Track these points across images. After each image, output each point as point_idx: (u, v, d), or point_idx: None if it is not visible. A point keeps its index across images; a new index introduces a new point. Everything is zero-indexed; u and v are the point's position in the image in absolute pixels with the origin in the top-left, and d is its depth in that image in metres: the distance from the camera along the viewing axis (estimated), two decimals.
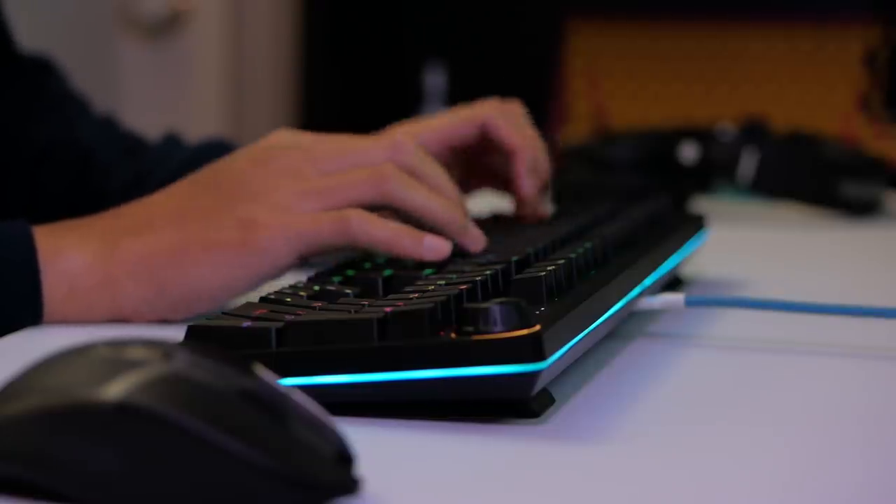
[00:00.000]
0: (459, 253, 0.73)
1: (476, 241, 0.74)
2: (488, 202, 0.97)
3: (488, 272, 0.64)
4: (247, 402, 0.45)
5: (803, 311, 0.72)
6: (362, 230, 0.70)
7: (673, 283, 0.85)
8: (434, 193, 0.74)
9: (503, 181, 0.89)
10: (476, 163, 0.89)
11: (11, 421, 0.45)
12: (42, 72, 1.09)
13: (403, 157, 0.74)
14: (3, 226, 0.72)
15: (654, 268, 0.76)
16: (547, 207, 0.88)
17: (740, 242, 1.13)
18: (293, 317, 0.59)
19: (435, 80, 2.64)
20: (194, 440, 0.44)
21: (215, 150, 1.03)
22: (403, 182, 0.72)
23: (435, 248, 0.71)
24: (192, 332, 0.59)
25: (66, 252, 0.71)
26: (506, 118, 0.85)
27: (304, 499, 0.45)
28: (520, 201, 0.86)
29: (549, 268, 0.63)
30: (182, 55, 2.63)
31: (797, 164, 1.29)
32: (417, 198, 0.73)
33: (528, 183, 0.85)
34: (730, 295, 0.84)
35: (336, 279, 0.68)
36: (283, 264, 0.71)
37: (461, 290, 0.60)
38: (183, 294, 0.71)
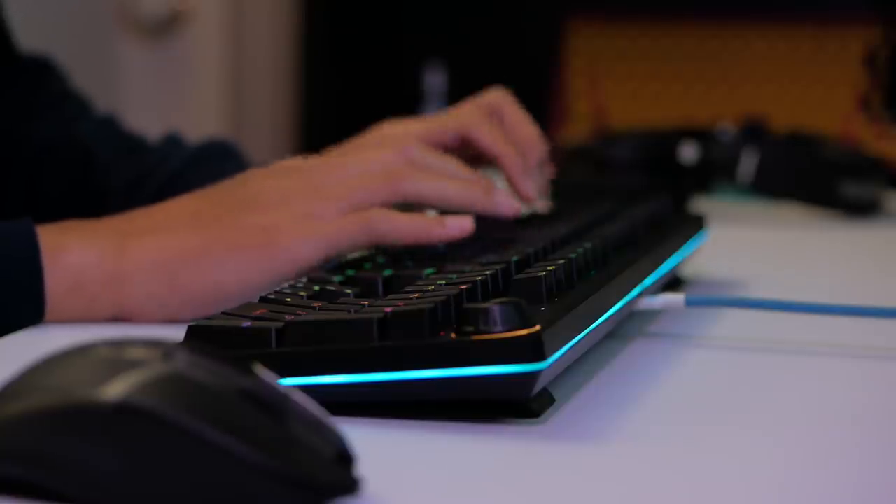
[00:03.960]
0: (463, 249, 0.73)
1: (509, 205, 0.76)
2: None
3: (488, 272, 0.64)
4: (247, 402, 0.45)
5: (803, 311, 0.72)
6: (386, 226, 0.72)
7: (673, 283, 0.85)
8: (450, 178, 0.75)
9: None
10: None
11: (11, 421, 0.45)
12: (42, 71, 1.09)
13: (411, 155, 0.75)
14: (6, 224, 0.73)
15: (654, 268, 0.76)
16: (540, 186, 0.88)
17: (740, 242, 1.13)
18: (293, 317, 0.59)
19: (435, 80, 2.64)
20: (194, 440, 0.44)
21: (217, 150, 1.04)
22: (417, 175, 0.74)
23: (458, 225, 0.72)
24: (192, 332, 0.59)
25: (70, 248, 0.72)
26: (484, 127, 0.85)
27: (304, 499, 0.45)
28: (524, 201, 0.87)
29: (549, 268, 0.63)
30: (182, 55, 2.63)
31: (797, 164, 1.29)
32: (433, 186, 0.74)
33: (524, 183, 0.85)
34: (730, 295, 0.84)
35: (336, 279, 0.68)
36: (306, 267, 0.72)
37: (461, 290, 0.60)
38: (200, 294, 0.72)
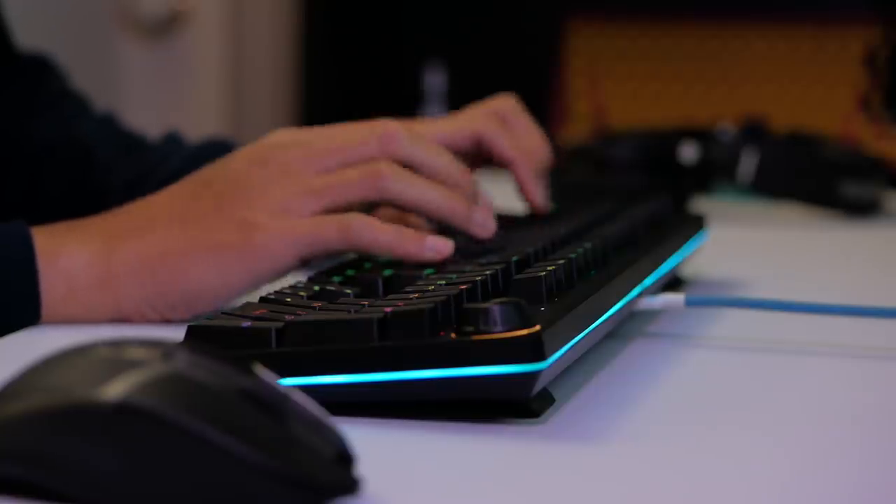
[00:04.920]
0: (463, 249, 0.73)
1: (483, 227, 0.74)
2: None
3: (488, 272, 0.64)
4: (247, 402, 0.45)
5: (803, 311, 0.72)
6: (364, 234, 0.71)
7: (673, 283, 0.85)
8: (433, 185, 0.73)
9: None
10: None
11: (12, 421, 0.45)
12: (41, 70, 1.09)
13: (398, 148, 0.74)
14: (1, 226, 0.73)
15: (654, 268, 0.76)
16: (545, 197, 0.89)
17: (740, 242, 1.13)
18: (293, 317, 0.59)
19: (435, 80, 2.64)
20: (194, 440, 0.43)
21: (216, 149, 1.03)
22: (399, 177, 0.72)
23: (436, 248, 0.71)
24: (192, 332, 0.59)
25: (65, 251, 0.72)
26: (499, 131, 0.86)
27: (304, 499, 0.45)
28: (533, 208, 0.87)
29: (549, 268, 0.63)
30: (182, 55, 2.63)
31: (797, 164, 1.29)
32: (415, 192, 0.73)
33: (535, 190, 0.86)
34: (730, 295, 0.84)
35: (336, 279, 0.68)
36: (282, 266, 0.71)
37: (461, 290, 0.60)
38: (183, 294, 0.72)
